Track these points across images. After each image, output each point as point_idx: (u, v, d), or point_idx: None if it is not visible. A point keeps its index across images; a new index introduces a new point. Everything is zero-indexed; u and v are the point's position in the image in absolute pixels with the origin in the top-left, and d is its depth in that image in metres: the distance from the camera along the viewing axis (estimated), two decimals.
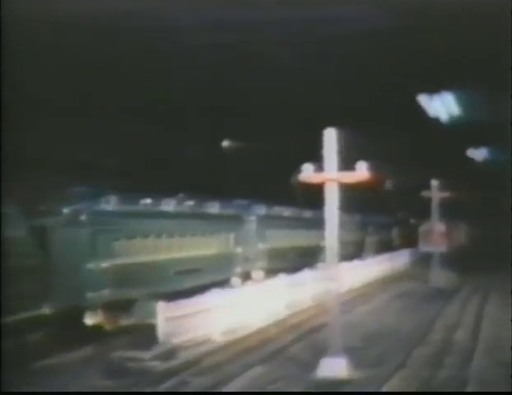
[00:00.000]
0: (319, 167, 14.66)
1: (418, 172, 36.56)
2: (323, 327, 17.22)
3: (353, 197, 15.59)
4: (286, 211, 34.31)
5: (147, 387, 13.54)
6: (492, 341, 17.84)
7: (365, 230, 45.20)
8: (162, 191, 23.31)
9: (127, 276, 18.81)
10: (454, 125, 28.92)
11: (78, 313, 17.31)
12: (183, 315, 16.49)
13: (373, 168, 14.65)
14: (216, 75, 20.13)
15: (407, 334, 19.14)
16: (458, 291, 29.85)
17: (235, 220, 27.49)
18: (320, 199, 15.02)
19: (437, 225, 34.41)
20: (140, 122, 23.63)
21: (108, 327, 18.02)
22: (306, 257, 30.57)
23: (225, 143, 32.62)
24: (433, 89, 23.94)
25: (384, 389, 13.25)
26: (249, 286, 22.57)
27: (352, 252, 34.40)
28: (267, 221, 30.14)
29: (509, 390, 12.36)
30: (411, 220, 51.88)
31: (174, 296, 17.25)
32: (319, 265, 26.14)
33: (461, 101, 26.42)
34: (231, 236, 26.65)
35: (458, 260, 38.29)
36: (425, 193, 33.88)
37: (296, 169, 15.10)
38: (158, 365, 14.66)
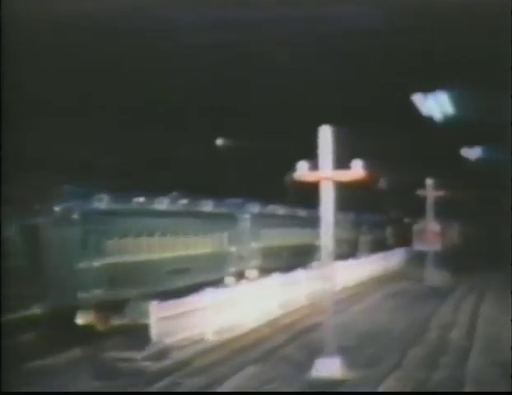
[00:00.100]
0: (314, 165, 14.52)
1: (412, 171, 36.53)
2: (317, 326, 17.07)
3: (347, 195, 15.44)
4: (281, 210, 34.16)
5: (139, 387, 13.36)
6: (488, 340, 17.73)
7: (359, 228, 45.13)
8: (156, 190, 23.18)
9: (119, 276, 18.63)
10: (448, 124, 28.92)
11: (70, 313, 17.12)
12: (176, 315, 16.32)
13: (368, 166, 14.53)
14: (213, 75, 20.11)
15: (401, 333, 19.01)
16: (452, 290, 29.76)
17: (229, 219, 27.33)
18: (315, 198, 14.88)
19: (431, 224, 34.36)
20: (135, 121, 23.61)
21: (100, 327, 17.83)
22: (300, 256, 30.47)
23: (220, 142, 32.55)
24: (429, 88, 23.94)
25: (380, 390, 13.10)
26: (243, 286, 22.41)
27: (346, 251, 34.28)
28: (261, 220, 30.00)
29: (509, 390, 12.26)
30: (405, 219, 51.84)
31: (167, 296, 17.08)
32: (313, 264, 26.06)
33: (455, 100, 26.42)
34: (225, 235, 26.49)
35: (452, 259, 38.25)
36: (419, 192, 33.81)
37: (291, 167, 14.97)
38: (150, 366, 14.48)
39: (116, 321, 18.36)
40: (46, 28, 14.92)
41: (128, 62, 18.33)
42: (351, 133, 15.42)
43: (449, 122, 28.63)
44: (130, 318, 18.22)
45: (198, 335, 17.13)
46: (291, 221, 34.34)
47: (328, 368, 14.13)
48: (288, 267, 25.12)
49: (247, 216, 29.06)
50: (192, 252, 23.35)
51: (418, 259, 37.03)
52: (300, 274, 24.69)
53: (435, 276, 32.71)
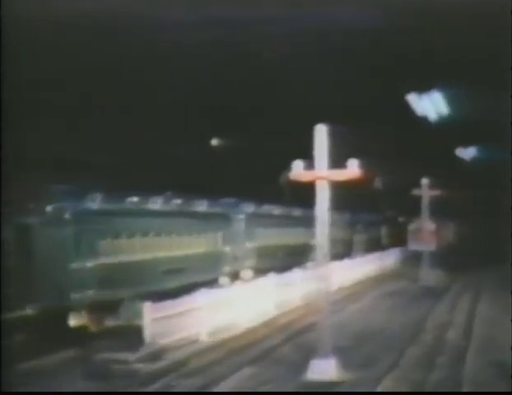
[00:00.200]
0: (309, 165, 14.39)
1: (407, 170, 36.51)
2: (312, 327, 16.89)
3: (342, 195, 15.33)
4: (276, 210, 34.01)
5: (133, 389, 13.19)
6: (485, 339, 17.61)
7: (353, 228, 45.00)
8: (150, 189, 23.03)
9: (112, 276, 18.43)
10: (443, 124, 28.92)
11: (62, 314, 16.91)
12: (170, 316, 16.16)
13: (363, 165, 14.41)
14: (208, 75, 20.07)
15: (398, 334, 18.87)
16: (448, 290, 29.67)
17: (223, 219, 27.17)
18: (310, 197, 14.75)
19: (426, 224, 34.27)
20: (129, 121, 23.53)
21: (93, 328, 17.63)
22: (296, 256, 30.32)
23: (215, 142, 32.47)
24: (427, 88, 23.96)
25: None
26: (238, 286, 22.24)
27: (341, 250, 34.16)
28: (255, 220, 29.84)
29: (508, 390, 12.19)
30: (400, 219, 51.79)
31: (161, 296, 16.92)
32: (309, 264, 25.93)
33: (450, 100, 26.41)
34: (219, 235, 26.32)
35: (447, 259, 38.19)
36: (414, 192, 33.73)
37: (286, 167, 14.85)
38: (144, 367, 14.32)
39: (109, 322, 18.17)
40: (46, 28, 14.98)
41: (126, 62, 18.33)
42: (347, 132, 15.32)
43: (443, 122, 28.64)
44: (123, 319, 18.03)
45: (193, 336, 16.97)
46: (286, 221, 34.19)
47: (324, 369, 13.99)
48: (283, 267, 24.97)
49: (241, 215, 28.89)
50: (186, 252, 23.17)
51: (413, 259, 36.94)
52: (295, 274, 24.55)
53: (429, 276, 32.64)
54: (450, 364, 14.93)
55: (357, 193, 31.33)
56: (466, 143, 37.37)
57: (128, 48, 17.29)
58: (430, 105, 27.13)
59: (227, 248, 26.83)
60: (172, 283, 21.15)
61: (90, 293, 17.65)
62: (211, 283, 23.39)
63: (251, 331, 18.74)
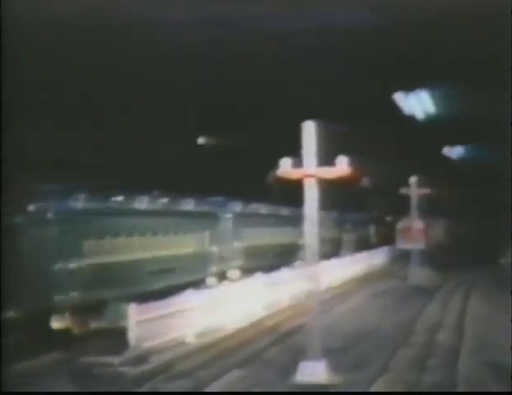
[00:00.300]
0: (298, 163, 14.10)
1: (395, 169, 36.48)
2: (301, 328, 16.60)
3: (330, 193, 15.08)
4: (264, 209, 33.70)
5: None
6: (478, 340, 17.37)
7: (342, 227, 44.78)
8: (136, 189, 22.71)
9: (96, 277, 18.02)
10: (431, 123, 28.91)
11: (45, 316, 16.49)
12: (156, 317, 15.81)
13: (352, 163, 14.17)
14: (196, 74, 20.01)
15: (388, 335, 18.59)
16: (437, 289, 29.49)
17: (210, 218, 26.81)
18: (298, 196, 14.47)
19: (415, 222, 34.10)
20: (116, 120, 23.49)
21: (76, 330, 17.21)
22: (284, 256, 30.06)
23: (202, 140, 32.33)
24: (424, 87, 24.04)
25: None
26: (225, 286, 21.91)
27: (330, 250, 33.92)
28: (243, 219, 29.51)
29: (508, 390, 12.02)
30: (388, 218, 51.69)
31: (147, 298, 16.55)
32: (297, 263, 25.66)
33: (439, 99, 26.40)
34: (206, 234, 25.96)
35: (436, 257, 38.08)
36: (403, 190, 33.58)
37: (274, 165, 14.59)
38: (129, 371, 13.93)
39: (94, 324, 17.76)
40: (46, 28, 15.09)
41: (115, 63, 18.42)
42: (334, 130, 15.12)
43: (431, 120, 28.62)
44: (108, 321, 17.63)
45: (179, 338, 16.62)
46: (275, 220, 33.89)
47: (313, 371, 13.68)
48: (271, 267, 24.67)
49: (229, 215, 28.55)
50: (172, 252, 22.79)
51: (403, 258, 36.79)
52: (283, 274, 24.25)
53: (418, 275, 32.46)
54: (442, 367, 14.66)
55: (346, 192, 31.22)
56: (453, 142, 37.43)
57: (125, 47, 17.37)
58: (418, 104, 27.11)
59: (214, 248, 26.48)
60: (158, 284, 20.78)
61: (74, 294, 17.23)
62: (199, 284, 23.06)
63: (239, 332, 18.43)
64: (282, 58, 19.30)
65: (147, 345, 15.26)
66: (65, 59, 17.26)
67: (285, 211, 34.55)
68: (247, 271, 25.69)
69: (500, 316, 20.40)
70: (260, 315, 20.85)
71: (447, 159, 40.17)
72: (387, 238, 43.85)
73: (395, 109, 27.00)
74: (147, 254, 21.14)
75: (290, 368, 13.95)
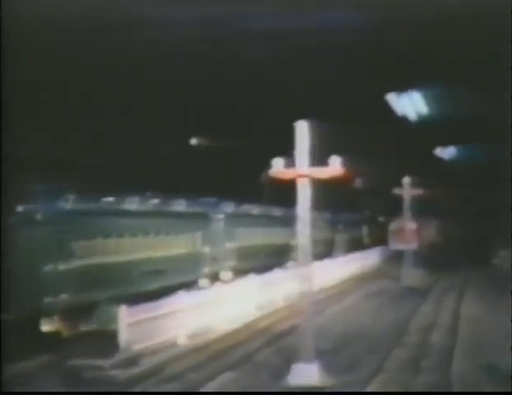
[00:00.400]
0: (290, 163, 13.95)
1: (387, 169, 36.46)
2: (294, 329, 16.42)
3: (323, 194, 14.94)
4: (256, 209, 33.53)
5: None
6: (472, 341, 17.25)
7: (334, 227, 44.65)
8: (128, 189, 22.52)
9: (87, 279, 17.77)
10: (424, 123, 28.90)
11: (34, 318, 16.23)
12: (147, 319, 15.62)
13: (345, 163, 14.04)
14: (188, 74, 19.95)
15: (381, 336, 18.43)
16: (430, 290, 29.37)
17: (202, 219, 26.61)
18: (291, 196, 14.31)
19: (408, 223, 33.99)
20: (106, 120, 23.37)
21: (66, 333, 16.96)
22: (277, 256, 29.89)
23: (194, 141, 32.24)
24: (422, 87, 24.11)
25: None
26: (218, 287, 21.73)
27: (323, 250, 33.77)
28: (235, 220, 29.33)
29: (508, 390, 11.93)
30: (381, 218, 51.63)
31: (138, 299, 16.35)
32: (290, 264, 25.49)
33: (432, 100, 26.41)
34: (198, 235, 25.76)
35: (430, 258, 38.01)
36: (396, 191, 33.47)
37: (266, 165, 14.45)
38: (119, 374, 13.73)
39: (84, 327, 17.52)
40: (46, 28, 15.09)
41: (107, 63, 18.41)
42: (327, 130, 15.02)
43: (424, 121, 28.61)
44: (98, 324, 17.40)
45: (171, 340, 16.42)
46: (267, 221, 33.72)
47: (306, 373, 13.50)
48: (264, 268, 24.49)
49: (221, 215, 28.35)
50: (164, 253, 22.58)
51: (395, 258, 36.68)
52: (277, 275, 24.08)
53: (411, 276, 32.33)
54: (436, 368, 14.52)
55: (338, 192, 31.12)
56: (446, 142, 37.45)
57: (124, 47, 17.44)
58: (411, 105, 27.12)
59: (206, 249, 26.28)
60: (149, 285, 20.55)
61: (64, 296, 16.98)
62: (191, 285, 22.86)
63: (231, 334, 18.25)
64: (274, 58, 19.27)
65: (138, 347, 15.07)
66: (65, 59, 17.30)
67: (277, 211, 34.39)
68: (240, 272, 25.51)
69: (494, 316, 20.38)
70: (253, 316, 20.67)
71: (440, 159, 40.18)
72: (380, 238, 43.74)
73: (388, 109, 26.98)
74: (138, 255, 20.92)
75: (283, 370, 13.78)
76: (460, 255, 43.28)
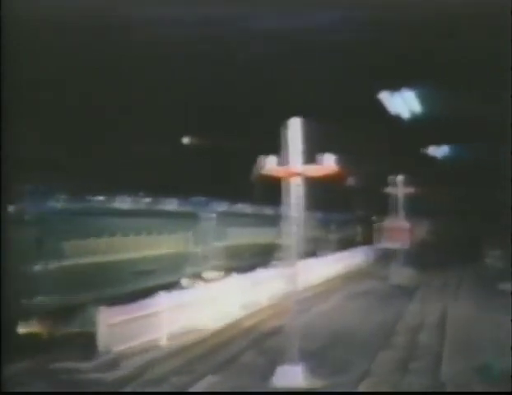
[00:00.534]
0: (282, 161, 13.61)
1: (379, 168, 36.35)
2: (279, 329, 16.08)
3: (315, 192, 14.64)
4: (248, 208, 33.23)
5: None
6: (461, 342, 16.95)
7: (326, 227, 44.40)
8: (119, 189, 22.24)
9: (75, 280, 17.34)
10: (418, 122, 28.83)
11: (14, 320, 15.81)
12: (128, 320, 15.25)
13: (339, 161, 13.76)
14: (176, 73, 19.97)
15: (369, 336, 18.07)
16: (419, 288, 29.10)
17: (194, 218, 26.27)
18: (283, 195, 13.98)
19: (400, 222, 33.77)
20: (98, 120, 23.35)
21: (46, 336, 16.55)
22: (269, 256, 29.61)
23: (186, 140, 32.15)
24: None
25: None
26: (203, 287, 21.36)
27: (314, 249, 33.46)
28: (227, 219, 29.02)
29: (508, 390, 11.76)
30: (372, 217, 51.43)
31: (124, 300, 15.98)
32: (277, 263, 25.18)
33: (425, 99, 26.38)
34: (190, 234, 25.42)
35: (421, 257, 37.82)
36: (389, 189, 33.26)
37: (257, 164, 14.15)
38: (97, 377, 13.33)
39: (66, 329, 17.08)
40: (46, 28, 15.21)
41: (112, 63, 18.59)
42: (320, 127, 14.76)
43: (417, 120, 28.50)
44: (79, 325, 16.98)
45: (153, 341, 16.04)
46: (259, 220, 33.41)
47: (291, 376, 13.15)
48: (251, 267, 24.16)
49: (212, 214, 28.03)
50: (155, 252, 22.21)
51: (386, 257, 36.44)
52: (262, 274, 23.76)
53: (399, 275, 32.09)
54: (425, 368, 14.19)
55: (331, 191, 30.91)
56: (439, 141, 37.38)
57: (124, 47, 17.51)
58: (403, 104, 27.05)
59: (197, 248, 25.94)
60: (139, 285, 20.12)
61: (49, 298, 16.56)
62: (179, 284, 22.52)
63: (215, 334, 17.88)
64: (265, 57, 19.20)
65: (119, 349, 14.70)
66: (65, 59, 17.37)
67: (269, 210, 34.10)
68: (230, 272, 25.17)
69: (485, 315, 20.16)
70: (237, 316, 20.32)
71: (432, 158, 40.06)
72: (372, 237, 43.51)
73: (381, 108, 26.83)
74: (129, 255, 20.54)
75: (268, 372, 13.42)
76: (452, 254, 43.11)
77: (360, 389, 12.83)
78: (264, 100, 23.91)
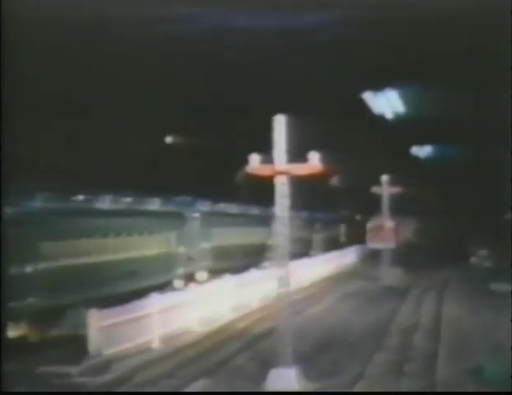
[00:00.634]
0: (267, 159, 13.45)
1: (364, 168, 36.38)
2: (271, 332, 15.89)
3: (300, 191, 14.49)
4: (233, 208, 33.01)
5: None
6: (454, 341, 16.89)
7: (311, 226, 44.31)
8: (102, 189, 21.96)
9: (56, 282, 17.08)
10: (403, 122, 28.87)
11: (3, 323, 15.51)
12: (119, 323, 15.01)
13: (324, 160, 13.60)
14: (159, 72, 19.92)
15: (362, 338, 17.94)
16: (409, 289, 29.07)
17: (177, 218, 26.01)
18: (269, 195, 13.83)
19: (386, 221, 33.70)
20: (79, 118, 23.03)
21: (33, 339, 16.26)
22: (254, 256, 29.44)
23: (169, 139, 31.99)
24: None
25: None
26: (193, 289, 21.13)
27: (300, 249, 33.35)
28: (212, 219, 28.77)
29: (508, 390, 11.64)
30: (358, 217, 51.44)
31: (109, 302, 15.72)
32: (266, 264, 25.03)
33: (409, 99, 26.45)
34: (173, 235, 25.15)
35: (409, 257, 37.84)
36: (374, 189, 33.19)
37: (243, 164, 13.99)
38: (87, 381, 13.07)
39: (53, 332, 16.81)
40: (46, 28, 15.22)
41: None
42: (305, 127, 14.63)
43: (402, 119, 28.54)
44: (68, 329, 16.71)
45: (144, 344, 15.81)
46: (244, 220, 33.22)
47: (284, 379, 12.96)
48: (241, 268, 23.97)
49: (196, 214, 27.77)
50: (137, 254, 21.95)
51: (373, 257, 36.40)
52: (253, 275, 23.58)
53: (390, 275, 32.04)
54: (419, 370, 14.07)
55: (315, 190, 30.82)
56: (422, 142, 37.52)
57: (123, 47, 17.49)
58: (387, 104, 27.10)
59: (181, 249, 25.68)
60: (122, 287, 19.89)
61: (32, 300, 16.27)
62: (165, 286, 22.26)
63: (206, 337, 17.69)
64: (250, 56, 19.15)
65: (109, 352, 14.44)
66: (65, 59, 17.39)
67: (254, 210, 33.92)
68: (216, 273, 24.96)
69: (473, 316, 20.15)
70: (228, 318, 20.13)
71: (417, 158, 40.17)
72: (357, 237, 43.48)
73: (366, 107, 26.84)
74: (111, 257, 20.27)
75: (260, 375, 13.23)
76: (439, 254, 43.20)
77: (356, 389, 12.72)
78: (250, 99, 23.83)
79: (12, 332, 15.79)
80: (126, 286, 20.02)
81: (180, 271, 25.24)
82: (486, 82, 19.84)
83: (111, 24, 15.76)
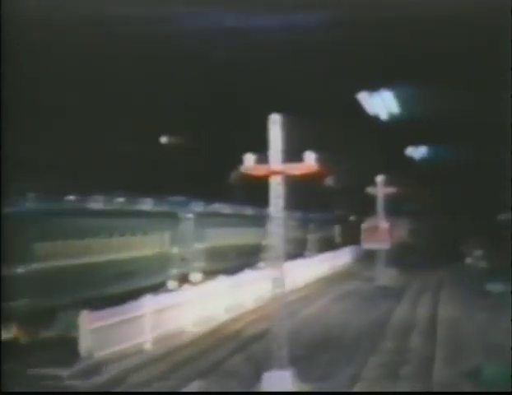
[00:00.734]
0: (262, 159, 13.28)
1: (359, 168, 36.33)
2: (266, 332, 15.69)
3: (294, 192, 14.32)
4: (227, 208, 32.83)
5: None
6: (450, 341, 16.73)
7: (306, 227, 44.16)
8: (96, 189, 21.79)
9: (47, 283, 16.86)
10: (398, 123, 28.82)
11: None
12: (111, 325, 14.79)
13: (319, 160, 13.46)
14: (153, 73, 20.04)
15: (357, 340, 17.75)
16: (405, 289, 28.93)
17: (171, 218, 25.81)
18: (263, 195, 13.66)
19: (380, 222, 33.56)
20: (73, 119, 23.22)
21: (24, 340, 16.04)
22: (248, 257, 29.27)
23: (164, 139, 31.94)
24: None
25: None
26: (187, 290, 20.93)
27: (295, 250, 33.18)
28: (205, 219, 28.59)
29: (508, 390, 11.57)
30: (353, 217, 51.32)
31: (102, 304, 15.51)
32: (261, 264, 24.84)
33: (407, 99, 26.41)
34: (166, 235, 24.95)
35: (404, 257, 37.72)
36: (369, 189, 33.05)
37: (236, 164, 13.84)
38: (78, 384, 12.86)
39: (43, 333, 16.58)
40: (46, 28, 15.32)
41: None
42: (300, 127, 14.48)
43: (397, 120, 28.48)
44: (59, 330, 16.49)
45: (136, 346, 15.59)
46: (238, 220, 33.03)
47: (279, 381, 12.77)
48: (235, 269, 23.78)
49: (190, 214, 27.58)
50: (130, 254, 21.75)
51: (368, 257, 36.25)
52: (247, 276, 23.38)
53: (385, 276, 31.91)
54: (415, 375, 13.89)
55: (310, 191, 30.69)
56: (417, 142, 37.50)
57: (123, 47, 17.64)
58: (381, 105, 27.02)
59: (175, 250, 25.48)
60: (115, 288, 19.68)
61: (23, 302, 16.04)
62: (158, 287, 22.07)
63: (200, 338, 17.50)
64: (245, 56, 19.18)
65: (101, 354, 14.23)
66: (65, 59, 17.44)
67: (249, 210, 33.74)
68: (210, 274, 24.78)
69: (469, 316, 20.01)
70: (222, 319, 19.93)
71: (412, 159, 40.13)
72: (352, 238, 43.34)
73: (361, 108, 26.76)
74: (104, 257, 20.06)
75: (255, 377, 13.05)
76: (434, 254, 43.11)
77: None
78: (245, 100, 23.77)
79: (3, 334, 15.56)
80: (119, 287, 19.84)
81: (174, 271, 25.06)
82: (486, 82, 19.76)
83: (111, 24, 15.76)
